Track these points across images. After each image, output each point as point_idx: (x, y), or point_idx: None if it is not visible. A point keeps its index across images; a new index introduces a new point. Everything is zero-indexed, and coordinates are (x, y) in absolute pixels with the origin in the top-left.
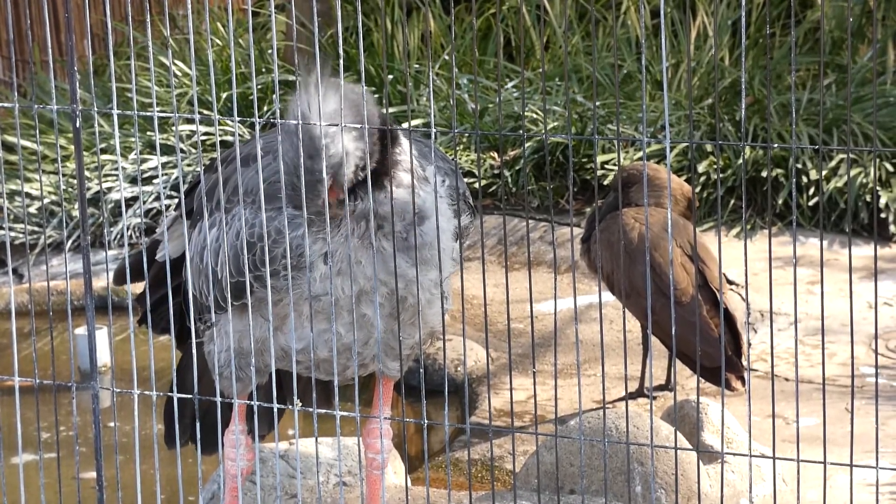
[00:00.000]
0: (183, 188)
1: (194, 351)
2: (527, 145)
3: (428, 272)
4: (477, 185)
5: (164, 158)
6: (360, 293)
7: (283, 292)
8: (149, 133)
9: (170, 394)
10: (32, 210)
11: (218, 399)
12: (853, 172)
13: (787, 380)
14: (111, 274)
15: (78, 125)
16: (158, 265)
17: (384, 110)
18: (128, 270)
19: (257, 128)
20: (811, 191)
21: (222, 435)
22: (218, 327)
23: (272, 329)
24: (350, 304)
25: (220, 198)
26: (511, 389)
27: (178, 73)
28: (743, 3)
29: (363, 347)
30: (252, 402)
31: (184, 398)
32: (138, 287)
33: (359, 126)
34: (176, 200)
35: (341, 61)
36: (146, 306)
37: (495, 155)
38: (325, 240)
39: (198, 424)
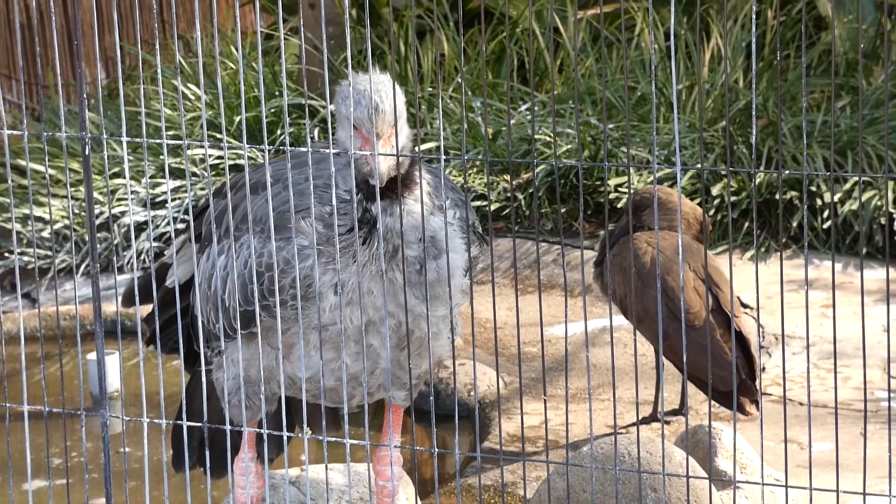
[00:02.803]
0: (192, 211)
1: (203, 377)
2: (539, 168)
3: (437, 309)
4: (489, 209)
5: (176, 183)
6: (369, 323)
7: (292, 321)
8: (161, 157)
9: (179, 422)
10: (44, 234)
11: (227, 427)
12: (867, 195)
13: (800, 404)
14: (120, 296)
15: (87, 153)
16: (166, 287)
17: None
18: (136, 293)
19: (266, 155)
20: (825, 213)
21: (231, 461)
22: (226, 355)
23: (280, 357)
24: (358, 335)
25: (228, 225)
26: (522, 415)
27: (191, 97)
28: (753, 27)
29: (370, 377)
30: (262, 430)
31: (191, 415)
32: (146, 309)
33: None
34: (185, 227)
35: (352, 86)
36: (154, 326)
37: (508, 178)
38: (336, 270)
39: (207, 452)
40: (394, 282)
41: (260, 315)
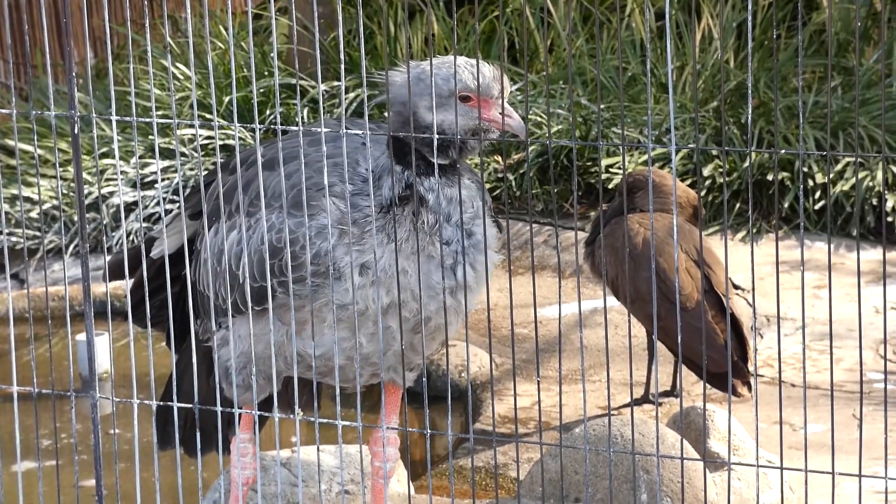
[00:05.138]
0: (182, 190)
1: (194, 357)
2: (531, 149)
3: (460, 305)
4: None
5: (166, 163)
6: (389, 305)
7: (307, 299)
8: (150, 137)
9: (170, 403)
10: (33, 215)
11: (218, 409)
12: (860, 175)
13: (794, 385)
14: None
15: (76, 132)
16: (151, 261)
17: (388, 114)
18: (126, 265)
19: (258, 133)
20: (818, 194)
21: (222, 440)
22: (233, 331)
23: (291, 334)
24: (376, 316)
25: (240, 200)
26: (515, 396)
27: (181, 77)
28: (749, 5)
29: (383, 359)
30: (253, 412)
31: (178, 397)
32: (128, 285)
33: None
34: (177, 205)
35: (342, 65)
36: (141, 293)
37: (499, 159)
38: (361, 250)
39: (198, 434)
40: (433, 257)
41: (276, 291)
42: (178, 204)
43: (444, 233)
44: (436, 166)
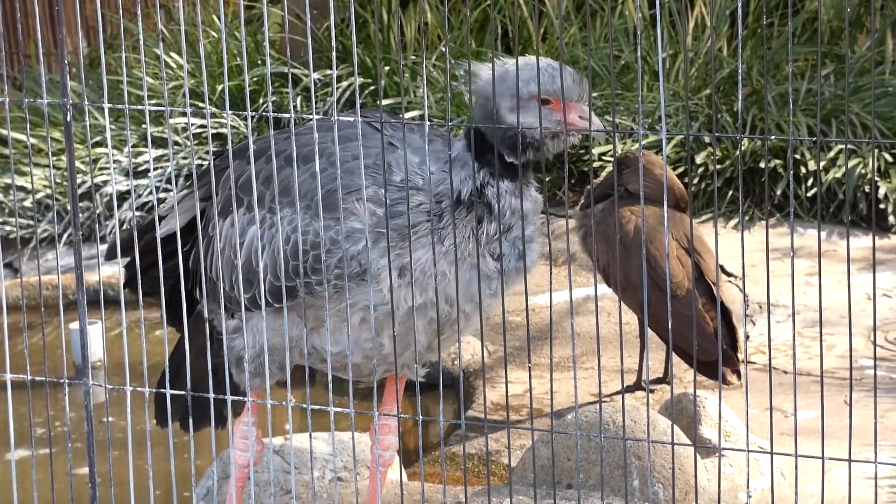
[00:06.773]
0: (177, 179)
1: (186, 338)
2: None
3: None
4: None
5: (159, 151)
6: (420, 305)
7: (333, 300)
8: (143, 126)
9: (161, 390)
10: (26, 204)
11: (211, 396)
12: (852, 163)
13: (785, 372)
14: (111, 247)
15: (69, 120)
16: (152, 237)
17: (380, 102)
18: (136, 241)
19: (250, 122)
20: (810, 181)
21: (215, 418)
22: (250, 324)
23: (307, 329)
24: (403, 317)
25: (262, 195)
26: (507, 383)
27: (173, 65)
28: None
29: (399, 357)
30: (246, 399)
31: (177, 371)
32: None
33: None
34: (169, 194)
35: (334, 53)
36: (133, 270)
37: None
38: (401, 254)
39: (190, 420)
40: (479, 267)
41: (299, 290)
42: (171, 192)
43: (502, 247)
44: (519, 168)
